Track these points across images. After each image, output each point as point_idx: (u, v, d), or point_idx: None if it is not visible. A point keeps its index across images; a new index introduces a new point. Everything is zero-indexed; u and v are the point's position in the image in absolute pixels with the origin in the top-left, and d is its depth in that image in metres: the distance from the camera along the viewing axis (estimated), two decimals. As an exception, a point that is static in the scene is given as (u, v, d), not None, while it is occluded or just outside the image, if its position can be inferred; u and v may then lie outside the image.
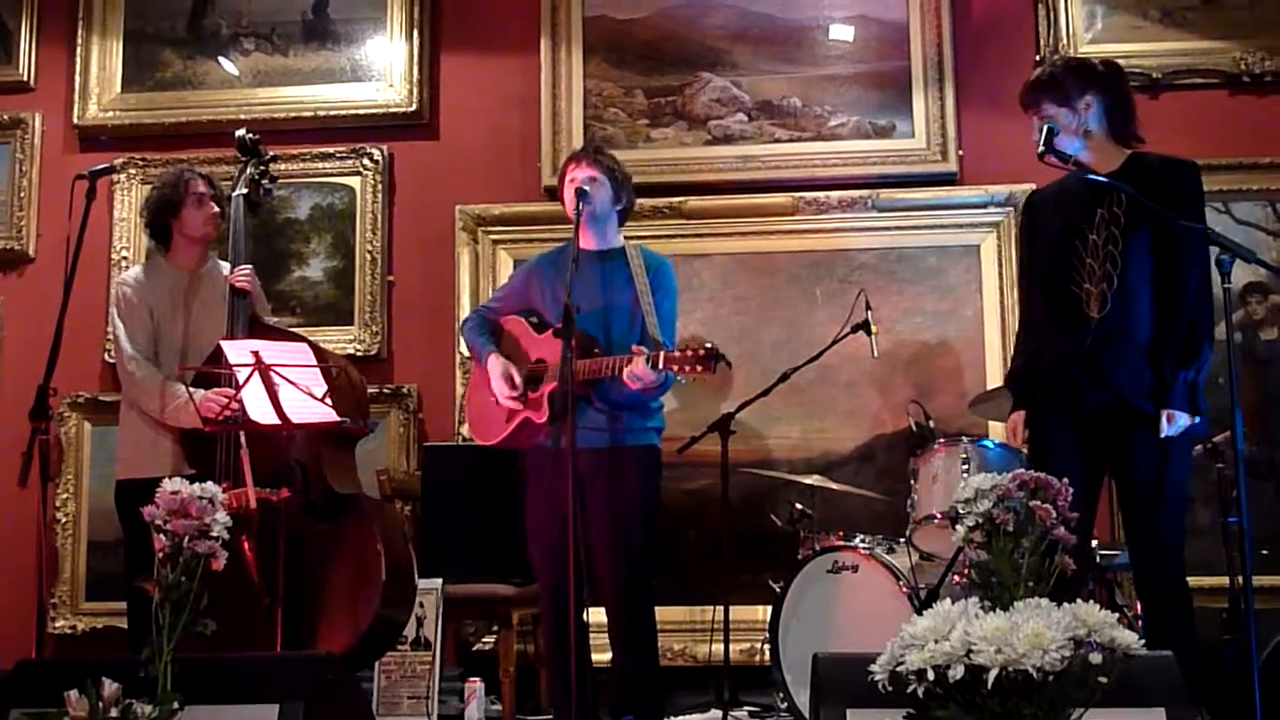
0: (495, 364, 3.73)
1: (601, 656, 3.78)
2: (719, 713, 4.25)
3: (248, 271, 3.92)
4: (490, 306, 3.99)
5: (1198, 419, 3.26)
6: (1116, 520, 4.17)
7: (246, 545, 3.27)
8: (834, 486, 4.51)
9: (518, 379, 3.68)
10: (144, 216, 4.14)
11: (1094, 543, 3.79)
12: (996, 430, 4.55)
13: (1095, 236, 3.35)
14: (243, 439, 3.47)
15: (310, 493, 3.63)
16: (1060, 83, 3.42)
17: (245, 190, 4.05)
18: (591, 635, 3.76)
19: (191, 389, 3.64)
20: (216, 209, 4.04)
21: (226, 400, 3.54)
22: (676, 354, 3.35)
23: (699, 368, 3.32)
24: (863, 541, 4.13)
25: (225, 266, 4.02)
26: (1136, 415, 3.28)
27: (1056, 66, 3.51)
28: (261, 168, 4.09)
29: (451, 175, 5.26)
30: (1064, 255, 3.39)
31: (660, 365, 3.36)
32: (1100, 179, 3.30)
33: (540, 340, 3.74)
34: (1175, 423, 3.23)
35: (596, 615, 3.73)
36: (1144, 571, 3.35)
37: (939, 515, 3.94)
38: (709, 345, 3.35)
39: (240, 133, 4.14)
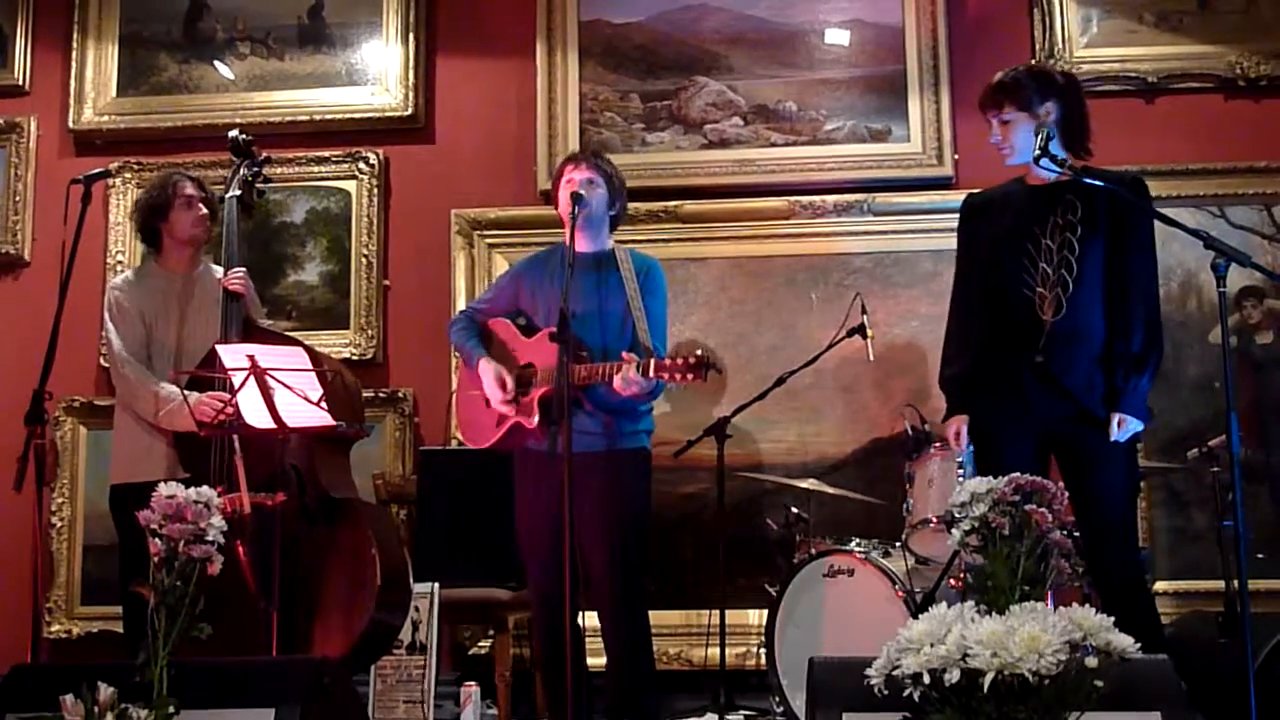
0: (487, 368, 3.70)
1: (596, 660, 3.77)
2: (715, 717, 4.24)
3: (241, 274, 3.91)
4: (478, 308, 3.96)
5: (1141, 424, 3.37)
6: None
7: (241, 550, 3.26)
8: (829, 490, 4.51)
9: (510, 383, 3.67)
10: (134, 220, 4.14)
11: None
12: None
13: (1048, 241, 3.42)
14: (237, 443, 3.47)
15: (305, 497, 3.63)
16: (1023, 87, 3.48)
17: (238, 191, 4.04)
18: (585, 639, 3.76)
19: (185, 392, 3.64)
20: (205, 211, 4.02)
21: (221, 404, 3.54)
22: (667, 362, 3.35)
23: (690, 376, 3.32)
24: (858, 545, 4.12)
25: (218, 270, 4.02)
26: (1090, 420, 3.34)
27: (1019, 72, 3.56)
28: (255, 169, 4.09)
29: (447, 179, 5.25)
30: (1013, 258, 3.45)
31: (651, 373, 3.36)
32: (1096, 183, 3.32)
33: (529, 344, 3.72)
34: (1125, 427, 3.33)
35: (589, 619, 3.72)
36: (1102, 574, 3.39)
37: (935, 519, 3.94)
38: (699, 353, 3.34)
39: (233, 133, 4.13)
